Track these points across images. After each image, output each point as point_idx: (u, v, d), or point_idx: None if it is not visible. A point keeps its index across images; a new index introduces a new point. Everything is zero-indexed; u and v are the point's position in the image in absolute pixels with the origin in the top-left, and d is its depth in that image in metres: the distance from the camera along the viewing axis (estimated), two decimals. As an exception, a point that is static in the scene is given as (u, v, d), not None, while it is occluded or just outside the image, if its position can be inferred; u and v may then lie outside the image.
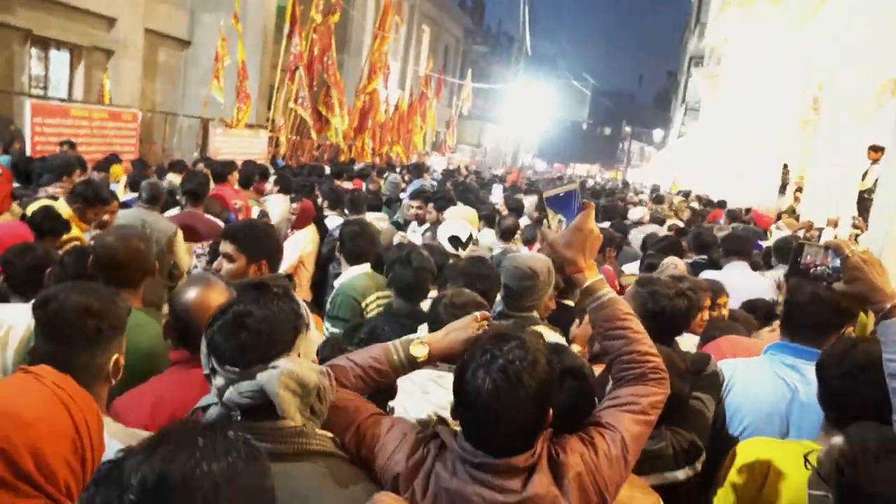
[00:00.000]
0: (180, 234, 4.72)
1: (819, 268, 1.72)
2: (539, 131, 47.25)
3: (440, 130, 26.15)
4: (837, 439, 1.48)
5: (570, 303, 3.56)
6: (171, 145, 12.94)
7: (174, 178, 8.08)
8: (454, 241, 4.02)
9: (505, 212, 6.56)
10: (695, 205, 12.22)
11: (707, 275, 4.41)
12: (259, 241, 2.62)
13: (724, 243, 4.89)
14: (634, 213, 7.99)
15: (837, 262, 1.68)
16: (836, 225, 8.76)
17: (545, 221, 1.73)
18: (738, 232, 5.14)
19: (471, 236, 4.13)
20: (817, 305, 2.24)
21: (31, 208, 4.02)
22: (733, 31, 18.46)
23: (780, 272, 4.65)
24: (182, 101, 14.91)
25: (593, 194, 14.27)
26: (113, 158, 8.32)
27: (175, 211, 5.35)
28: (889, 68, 8.74)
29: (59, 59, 12.48)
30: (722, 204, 11.25)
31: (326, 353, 1.83)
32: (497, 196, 7.74)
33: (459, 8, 34.60)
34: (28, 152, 8.45)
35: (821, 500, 1.46)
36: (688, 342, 2.96)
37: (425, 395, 2.00)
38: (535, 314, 2.90)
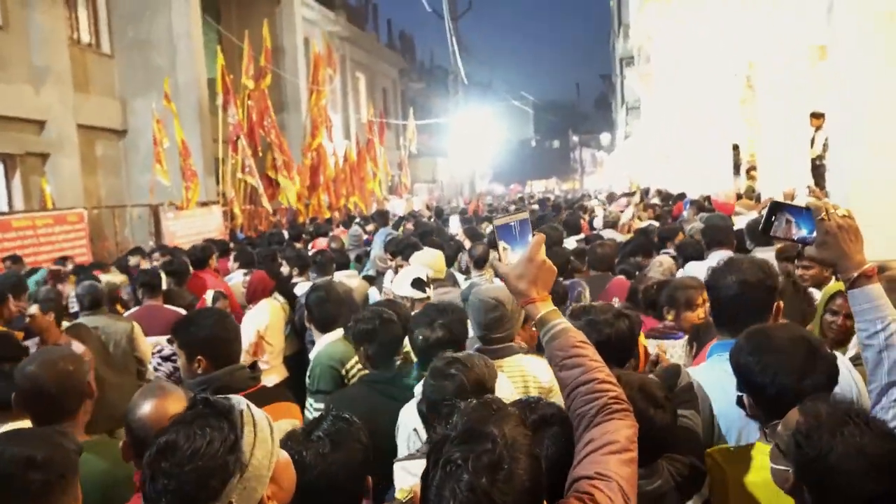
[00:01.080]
0: (138, 328, 4.53)
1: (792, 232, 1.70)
2: (490, 156, 47.70)
3: (394, 173, 26.19)
4: (793, 412, 1.51)
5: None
6: (125, 238, 12.63)
7: (136, 261, 7.88)
8: (417, 284, 3.90)
9: (468, 243, 6.46)
10: (656, 200, 12.31)
11: (692, 266, 4.34)
12: (188, 333, 2.47)
13: (705, 235, 4.83)
14: (599, 221, 7.98)
15: (806, 234, 1.66)
16: (792, 198, 8.85)
17: (496, 252, 1.71)
18: (715, 221, 5.08)
19: (428, 277, 4.03)
20: (748, 293, 2.18)
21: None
22: (655, 27, 18.94)
23: (767, 253, 4.60)
24: (128, 191, 14.65)
25: (554, 208, 14.32)
26: (61, 263, 8.06)
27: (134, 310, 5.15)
28: (814, 35, 8.95)
29: (-6, 170, 12.18)
30: (681, 196, 11.34)
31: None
32: (455, 227, 7.64)
33: (389, 49, 34.98)
34: (-28, 272, 8.13)
35: (782, 473, 1.48)
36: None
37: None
38: (514, 344, 2.84)
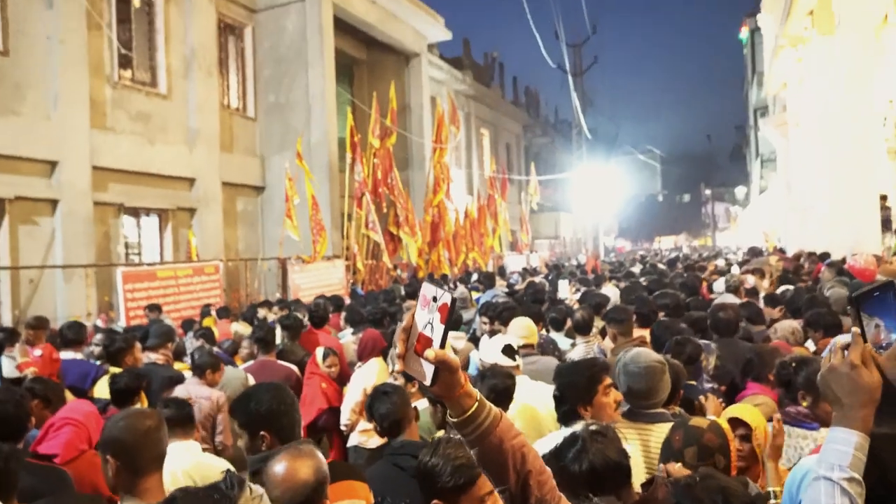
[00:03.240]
0: (251, 378, 4.71)
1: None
2: (615, 211, 46.70)
3: (514, 229, 26.23)
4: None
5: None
6: (255, 289, 13.43)
7: (263, 313, 8.35)
8: (507, 351, 3.80)
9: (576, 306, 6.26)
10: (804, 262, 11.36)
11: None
12: (248, 410, 2.44)
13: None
14: (719, 286, 7.49)
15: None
16: None
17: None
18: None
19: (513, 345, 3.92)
20: None
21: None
22: (790, 73, 17.95)
23: None
24: (263, 244, 15.64)
25: (687, 268, 13.65)
26: (206, 311, 8.68)
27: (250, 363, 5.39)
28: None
29: (149, 223, 13.46)
30: (823, 257, 10.43)
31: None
32: (564, 292, 7.39)
33: (514, 105, 35.51)
34: (122, 319, 8.93)
35: None
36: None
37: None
38: (665, 410, 2.87)
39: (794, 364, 3.42)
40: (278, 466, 1.88)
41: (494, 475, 1.40)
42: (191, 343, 6.12)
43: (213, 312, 8.94)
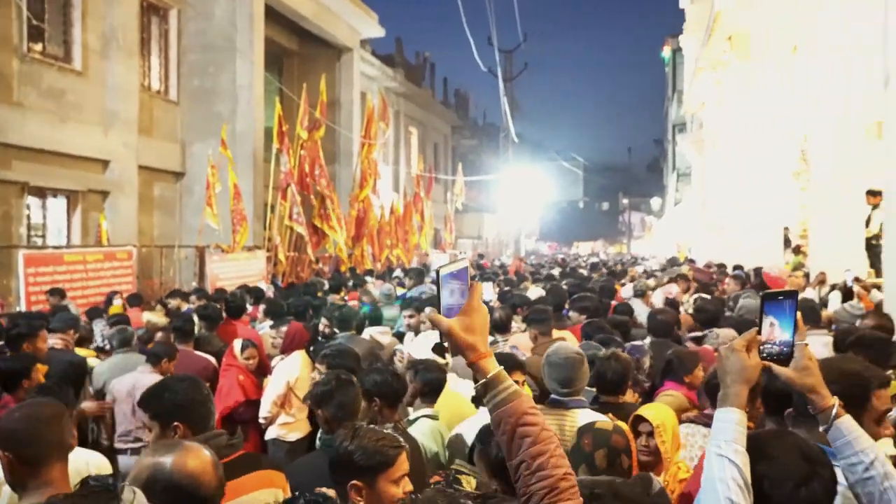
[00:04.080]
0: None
1: (771, 346, 1.67)
2: (538, 215, 47.68)
3: (438, 227, 26.36)
4: None
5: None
6: (169, 277, 12.94)
7: (176, 303, 8.05)
8: (438, 349, 3.81)
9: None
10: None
11: None
12: (162, 400, 2.40)
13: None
14: (626, 291, 7.83)
15: (787, 338, 1.65)
16: (823, 282, 8.43)
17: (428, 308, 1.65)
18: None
19: None
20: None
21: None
22: (708, 94, 18.88)
23: (819, 337, 4.42)
24: (181, 232, 15.09)
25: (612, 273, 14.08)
26: (110, 298, 8.30)
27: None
28: (871, 111, 8.75)
29: (57, 205, 12.73)
30: (735, 269, 10.98)
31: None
32: (489, 294, 7.49)
33: (443, 105, 35.71)
34: (22, 304, 8.42)
35: None
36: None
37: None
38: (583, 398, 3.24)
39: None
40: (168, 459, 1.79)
41: (504, 449, 1.42)
42: (100, 330, 5.85)
43: (121, 300, 8.56)
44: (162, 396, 2.42)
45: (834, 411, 1.61)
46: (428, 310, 1.39)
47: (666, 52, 39.67)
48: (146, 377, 4.27)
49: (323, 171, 15.54)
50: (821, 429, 1.66)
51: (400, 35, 29.44)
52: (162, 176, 15.14)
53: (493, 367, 1.42)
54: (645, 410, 2.99)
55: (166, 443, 1.98)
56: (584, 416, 3.01)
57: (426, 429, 3.30)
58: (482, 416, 3.31)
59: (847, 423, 1.61)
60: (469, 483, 2.45)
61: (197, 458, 1.80)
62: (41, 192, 12.29)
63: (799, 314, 1.67)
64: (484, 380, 1.42)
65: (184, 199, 15.50)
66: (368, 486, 2.09)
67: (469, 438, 3.12)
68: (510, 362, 3.35)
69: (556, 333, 4.95)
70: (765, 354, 1.67)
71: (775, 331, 1.67)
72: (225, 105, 15.44)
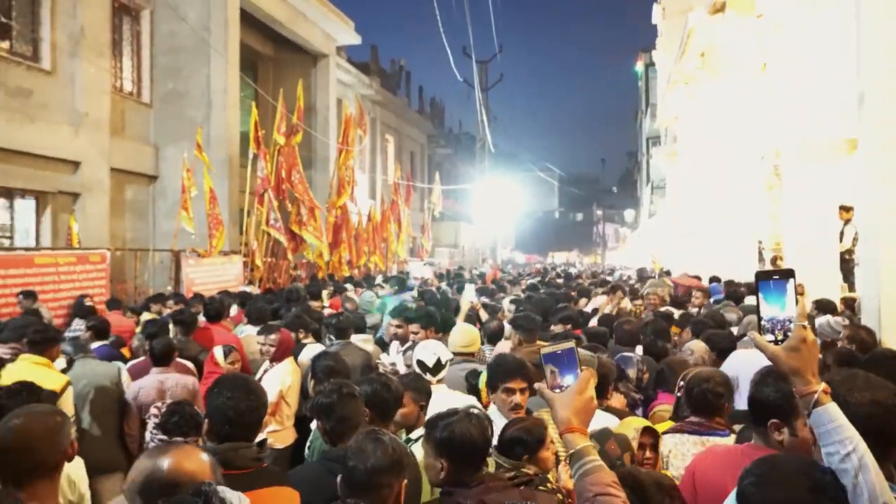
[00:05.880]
0: (125, 373, 4.54)
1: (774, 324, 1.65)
2: (513, 224, 47.89)
3: (415, 235, 26.32)
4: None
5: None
6: (144, 281, 12.70)
7: (158, 308, 7.88)
8: (421, 366, 3.79)
9: (484, 315, 6.36)
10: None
11: (740, 358, 4.16)
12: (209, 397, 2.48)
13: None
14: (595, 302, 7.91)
15: (783, 317, 1.63)
16: (802, 294, 8.59)
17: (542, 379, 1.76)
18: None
19: (439, 361, 3.88)
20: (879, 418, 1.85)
21: None
22: (681, 108, 19.17)
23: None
24: (153, 236, 14.83)
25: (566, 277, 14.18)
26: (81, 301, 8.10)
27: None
28: (842, 128, 8.95)
29: (25, 206, 12.41)
30: (712, 280, 11.11)
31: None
32: (470, 295, 7.49)
33: (419, 115, 35.76)
34: (-10, 307, 8.17)
35: None
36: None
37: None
38: None
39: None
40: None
41: None
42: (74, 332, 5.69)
43: (91, 303, 8.37)
44: (210, 393, 2.47)
45: (815, 397, 1.56)
46: (537, 385, 1.48)
47: (639, 66, 40.27)
48: (164, 376, 4.42)
49: (301, 177, 15.41)
50: (806, 415, 1.60)
51: (375, 43, 29.51)
52: (134, 178, 14.87)
53: (582, 442, 1.62)
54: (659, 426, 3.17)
55: (162, 445, 1.92)
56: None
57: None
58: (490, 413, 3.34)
59: (830, 410, 1.55)
60: (490, 464, 2.60)
61: (194, 459, 1.76)
62: (9, 193, 11.98)
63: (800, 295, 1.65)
64: (573, 451, 1.61)
65: (157, 203, 15.25)
66: None
67: None
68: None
69: (538, 343, 4.96)
70: (765, 331, 1.64)
71: (764, 307, 1.65)
72: (199, 108, 15.25)
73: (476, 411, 2.44)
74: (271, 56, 20.67)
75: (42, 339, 4.20)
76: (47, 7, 12.51)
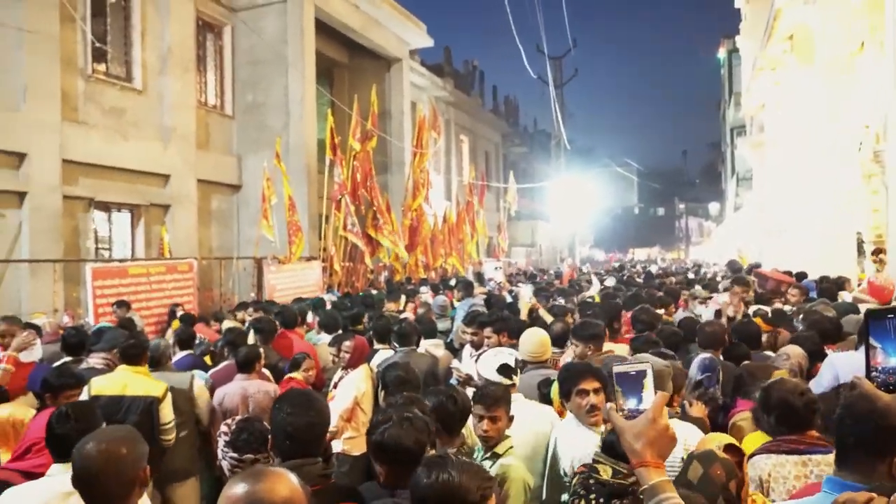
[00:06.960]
0: (199, 384, 4.66)
1: (878, 374, 1.43)
2: (592, 222, 46.97)
3: (492, 235, 26.23)
4: None
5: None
6: (228, 288, 13.18)
7: (242, 316, 8.16)
8: (504, 370, 3.68)
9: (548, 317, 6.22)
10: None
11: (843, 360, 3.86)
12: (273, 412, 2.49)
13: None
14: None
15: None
16: None
17: (612, 402, 1.62)
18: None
19: (516, 361, 3.80)
20: (874, 420, 1.68)
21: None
22: (768, 96, 18.21)
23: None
24: (238, 244, 15.39)
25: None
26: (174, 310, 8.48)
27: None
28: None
29: (121, 219, 13.15)
30: (800, 277, 10.42)
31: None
32: (527, 296, 7.27)
33: (493, 114, 35.59)
34: (90, 316, 8.66)
35: None
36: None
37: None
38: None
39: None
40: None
41: None
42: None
43: (182, 311, 8.74)
44: (273, 408, 2.49)
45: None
46: (608, 405, 1.35)
47: (721, 53, 38.64)
48: (247, 383, 4.50)
49: (373, 182, 15.62)
50: None
51: (448, 44, 29.53)
52: (219, 189, 15.49)
53: (655, 477, 1.48)
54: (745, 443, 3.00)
55: (252, 471, 1.89)
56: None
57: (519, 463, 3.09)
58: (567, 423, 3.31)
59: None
60: (605, 472, 2.61)
61: (285, 484, 1.69)
62: (106, 207, 12.71)
63: None
64: (645, 486, 1.48)
65: (240, 212, 15.82)
66: None
67: (563, 447, 3.19)
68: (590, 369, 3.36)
69: (606, 346, 4.75)
70: (877, 384, 1.47)
71: (880, 356, 1.45)
72: (277, 118, 15.71)
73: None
74: (346, 63, 21.05)
75: (136, 353, 4.41)
76: (138, 30, 13.23)
